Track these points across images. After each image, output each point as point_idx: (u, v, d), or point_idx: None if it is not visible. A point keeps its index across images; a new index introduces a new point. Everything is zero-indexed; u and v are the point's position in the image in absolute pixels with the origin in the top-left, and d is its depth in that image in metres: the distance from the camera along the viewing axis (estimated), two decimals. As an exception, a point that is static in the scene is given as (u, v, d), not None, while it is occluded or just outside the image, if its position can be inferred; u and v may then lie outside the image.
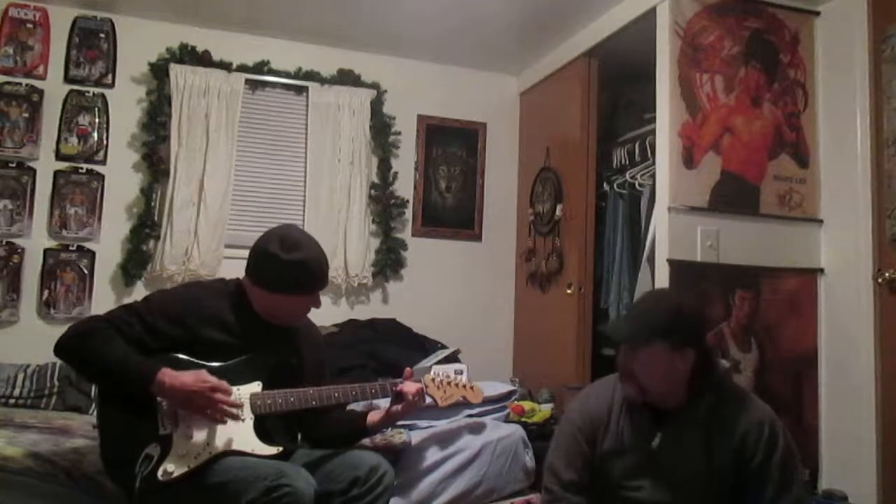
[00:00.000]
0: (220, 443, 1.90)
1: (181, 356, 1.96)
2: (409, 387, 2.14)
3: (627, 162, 3.77)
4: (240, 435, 1.92)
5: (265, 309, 2.07)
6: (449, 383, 2.23)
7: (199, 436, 1.89)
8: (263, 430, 1.97)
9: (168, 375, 1.85)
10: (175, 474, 1.82)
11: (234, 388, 1.96)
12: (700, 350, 1.87)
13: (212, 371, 1.96)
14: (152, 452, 1.83)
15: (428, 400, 2.23)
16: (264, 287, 2.04)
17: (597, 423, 1.95)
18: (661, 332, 1.82)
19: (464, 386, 2.25)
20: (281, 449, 1.95)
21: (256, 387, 2.00)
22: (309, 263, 2.03)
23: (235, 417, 1.91)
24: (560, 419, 2.13)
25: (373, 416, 2.18)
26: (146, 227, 3.61)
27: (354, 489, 1.96)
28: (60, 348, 1.90)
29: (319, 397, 2.03)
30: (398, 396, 2.16)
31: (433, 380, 2.22)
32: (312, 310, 2.14)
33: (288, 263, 1.99)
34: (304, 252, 2.02)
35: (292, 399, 2.00)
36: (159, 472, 1.81)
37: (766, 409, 1.90)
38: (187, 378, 1.87)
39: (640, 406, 1.90)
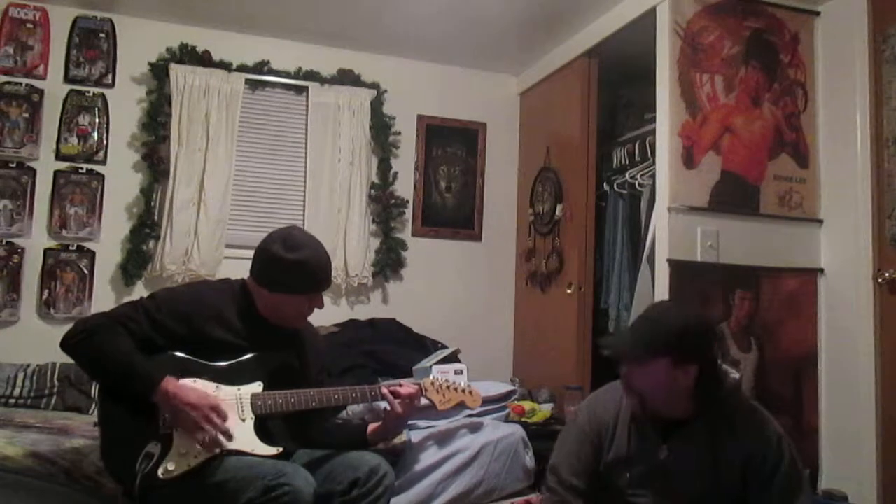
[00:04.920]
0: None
1: (185, 356, 1.96)
2: (403, 390, 2.12)
3: (627, 162, 3.77)
4: (240, 435, 1.92)
5: (269, 309, 2.08)
6: (448, 387, 2.24)
7: None
8: (264, 430, 1.97)
9: (171, 385, 1.86)
10: (175, 473, 1.82)
11: (235, 388, 1.97)
12: (705, 364, 1.84)
13: (214, 370, 1.97)
14: (153, 451, 1.84)
15: (426, 402, 2.24)
16: (267, 287, 2.05)
17: (603, 430, 1.95)
18: (662, 349, 1.78)
19: (463, 390, 2.26)
20: (281, 449, 1.96)
21: (258, 387, 2.00)
22: (311, 263, 2.03)
23: (221, 445, 1.88)
24: (566, 421, 2.12)
25: (372, 427, 2.19)
26: (146, 227, 3.62)
27: (354, 490, 1.96)
28: (66, 344, 1.90)
29: (320, 399, 2.03)
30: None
31: (433, 383, 2.23)
32: (314, 310, 2.14)
33: (290, 263, 2.00)
34: (307, 252, 2.03)
35: (293, 400, 2.00)
36: (160, 471, 1.81)
37: (775, 425, 1.89)
38: (190, 394, 1.87)
39: (646, 418, 1.90)
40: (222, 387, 1.96)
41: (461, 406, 2.29)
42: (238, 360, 2.01)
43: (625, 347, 1.89)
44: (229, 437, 1.89)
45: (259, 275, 2.06)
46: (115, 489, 2.00)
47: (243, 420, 1.95)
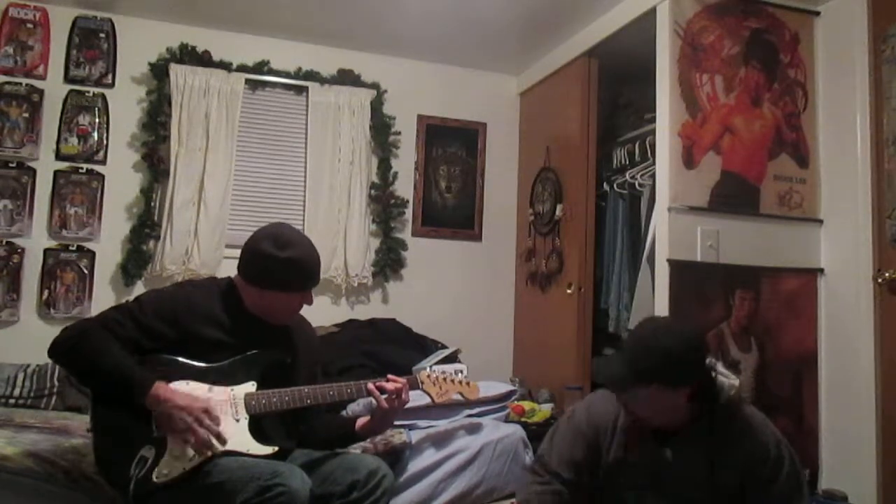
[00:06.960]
0: None
1: (175, 358, 1.96)
2: (389, 385, 2.09)
3: (627, 162, 3.76)
4: (235, 435, 1.91)
5: (258, 307, 2.07)
6: (445, 379, 2.20)
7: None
8: (259, 429, 1.96)
9: (162, 389, 1.85)
10: (170, 476, 1.81)
11: (229, 388, 1.97)
12: (699, 381, 1.83)
13: (206, 372, 1.96)
14: (147, 454, 1.83)
15: (426, 398, 2.22)
16: (257, 285, 2.04)
17: (601, 433, 1.95)
18: (654, 376, 1.76)
19: (460, 382, 2.23)
20: (276, 449, 1.95)
21: (251, 386, 1.99)
22: (301, 261, 2.03)
23: (213, 447, 1.87)
24: (561, 419, 2.12)
25: (361, 421, 2.17)
26: (146, 227, 3.62)
27: (354, 493, 1.95)
28: (54, 351, 1.89)
29: (314, 396, 2.03)
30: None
31: (429, 376, 2.20)
32: (310, 308, 2.14)
33: (281, 261, 1.99)
34: (297, 250, 2.02)
35: (287, 398, 1.99)
36: (154, 474, 1.81)
37: (773, 430, 1.89)
38: (179, 398, 1.86)
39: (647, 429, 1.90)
40: (215, 388, 1.95)
41: (460, 398, 2.25)
42: (230, 360, 2.00)
43: (618, 376, 1.85)
44: (222, 439, 1.88)
45: (248, 273, 2.05)
46: (113, 489, 2.00)
47: (237, 420, 1.94)
